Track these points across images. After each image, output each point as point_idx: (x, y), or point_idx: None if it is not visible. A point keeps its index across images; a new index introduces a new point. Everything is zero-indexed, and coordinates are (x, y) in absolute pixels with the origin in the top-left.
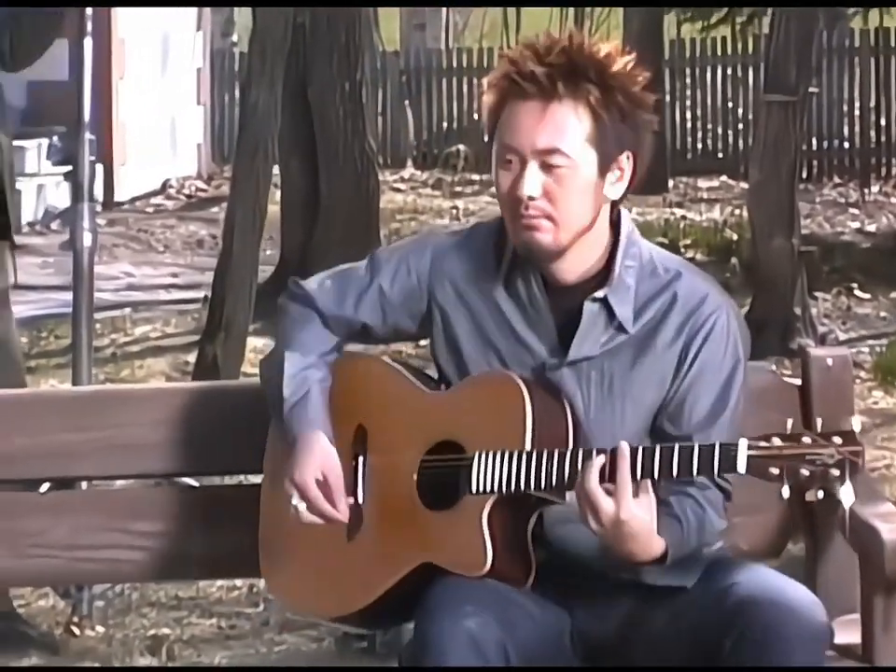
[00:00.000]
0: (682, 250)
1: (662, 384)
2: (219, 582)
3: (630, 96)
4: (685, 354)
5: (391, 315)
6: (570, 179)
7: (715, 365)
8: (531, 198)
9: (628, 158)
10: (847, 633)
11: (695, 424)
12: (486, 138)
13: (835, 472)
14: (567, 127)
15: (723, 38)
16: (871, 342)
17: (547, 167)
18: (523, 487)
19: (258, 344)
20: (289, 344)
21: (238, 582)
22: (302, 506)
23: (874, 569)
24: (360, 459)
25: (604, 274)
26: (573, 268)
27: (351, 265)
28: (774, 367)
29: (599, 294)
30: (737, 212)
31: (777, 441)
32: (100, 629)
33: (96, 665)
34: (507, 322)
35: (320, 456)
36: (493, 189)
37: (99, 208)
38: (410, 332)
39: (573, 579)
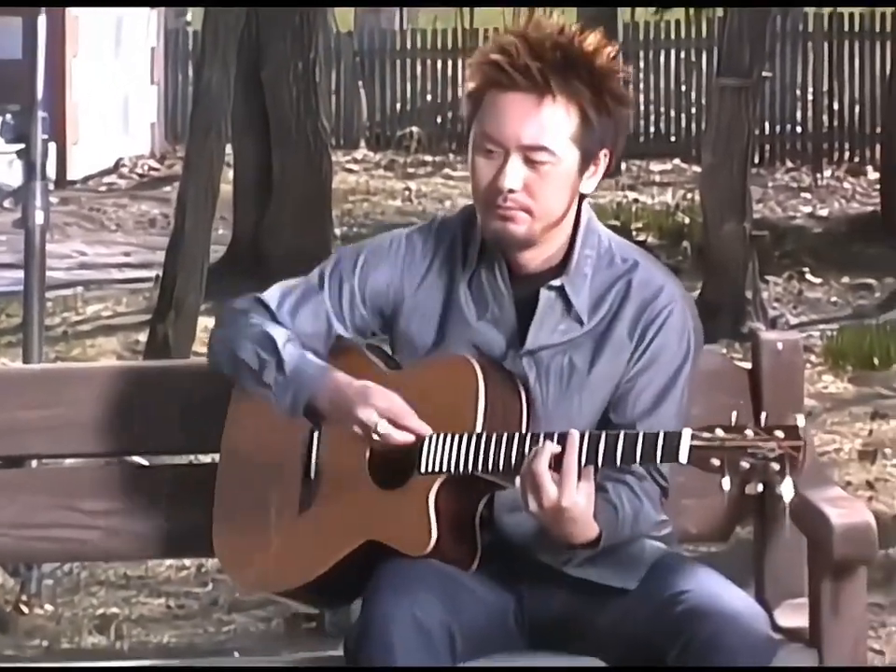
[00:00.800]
0: (634, 233)
1: (616, 376)
2: (168, 562)
3: (615, 95)
4: (639, 345)
5: (361, 315)
6: (552, 175)
7: (666, 356)
8: (511, 190)
9: (605, 154)
10: (795, 616)
11: (638, 412)
12: (466, 123)
13: (776, 466)
14: (556, 125)
15: (677, 22)
16: (822, 326)
17: (530, 162)
18: (471, 469)
19: (209, 324)
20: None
21: (187, 562)
22: (387, 427)
23: (822, 554)
24: (315, 435)
25: (563, 263)
26: (537, 256)
27: (313, 277)
28: (724, 350)
29: (556, 283)
30: (689, 196)
31: (720, 433)
32: (48, 607)
33: (45, 644)
34: (465, 319)
35: (367, 386)
36: (446, 171)
37: (51, 186)
38: (377, 329)
39: (520, 564)
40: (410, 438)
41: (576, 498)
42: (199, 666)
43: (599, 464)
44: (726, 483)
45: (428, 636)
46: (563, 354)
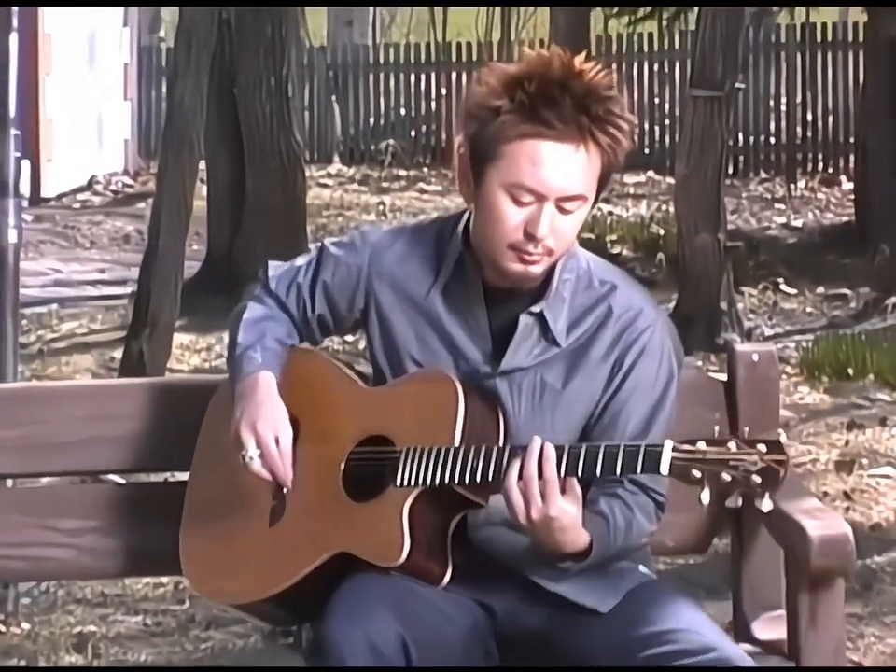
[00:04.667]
0: (609, 246)
1: (592, 396)
2: (145, 579)
3: (629, 131)
4: (618, 368)
5: (338, 308)
6: (578, 217)
7: (649, 382)
8: (543, 237)
9: None
10: (773, 629)
11: (629, 440)
12: (461, 148)
13: (757, 479)
14: (592, 171)
15: (650, 34)
16: (797, 337)
17: (561, 208)
18: (447, 481)
19: (184, 340)
20: (252, 300)
21: (164, 579)
22: (256, 456)
23: (799, 565)
24: None
25: (542, 285)
26: None
27: (303, 260)
28: (699, 362)
29: (536, 309)
30: (664, 207)
31: (702, 445)
32: (26, 626)
33: (22, 663)
34: (443, 327)
35: (275, 411)
36: (420, 185)
37: (25, 204)
38: (355, 323)
39: (492, 580)
40: (267, 476)
41: (562, 506)
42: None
43: (580, 475)
44: (705, 496)
45: (381, 654)
46: (536, 372)
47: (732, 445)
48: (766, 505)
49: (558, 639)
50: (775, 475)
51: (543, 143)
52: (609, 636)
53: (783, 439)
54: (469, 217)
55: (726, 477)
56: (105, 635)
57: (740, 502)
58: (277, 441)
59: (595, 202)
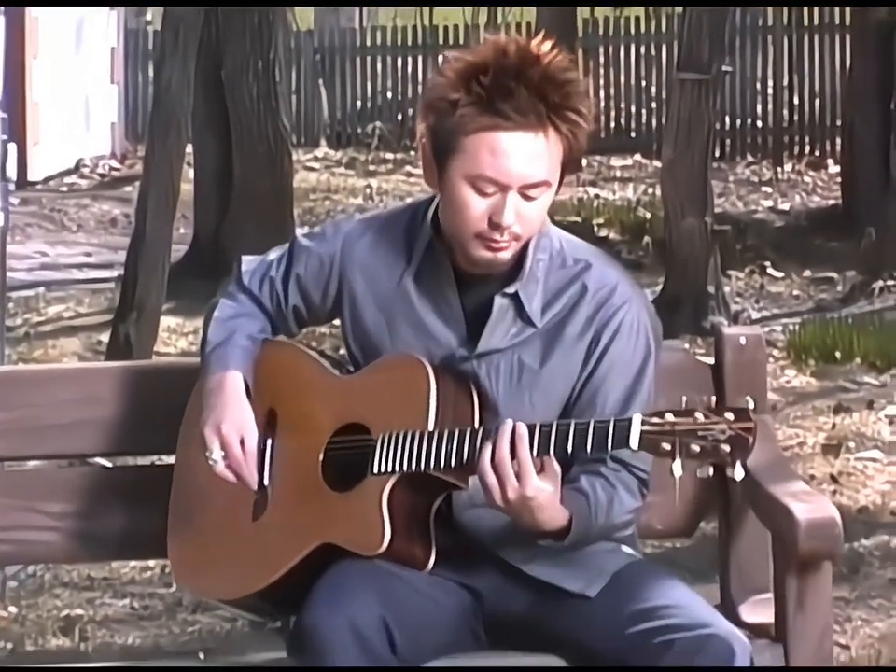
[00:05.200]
0: (596, 229)
1: (570, 375)
2: (132, 563)
3: (588, 113)
4: (594, 346)
5: (312, 299)
6: (543, 202)
7: (625, 359)
8: (509, 225)
9: None
10: (761, 612)
11: (607, 417)
12: (423, 138)
13: (726, 448)
14: (553, 157)
15: (637, 17)
16: (784, 320)
17: (525, 195)
18: (423, 467)
19: (171, 324)
20: (225, 297)
21: (151, 563)
22: (220, 459)
23: (787, 549)
24: (269, 442)
25: (515, 266)
26: None
27: (276, 254)
28: (687, 346)
29: (510, 290)
30: (651, 191)
31: (670, 417)
32: (13, 610)
33: (9, 646)
34: (416, 313)
35: (241, 412)
36: (406, 168)
37: (12, 187)
38: (330, 313)
39: (479, 563)
40: (231, 477)
41: (538, 485)
42: (164, 668)
43: (551, 453)
44: (677, 467)
45: (364, 637)
46: (513, 353)
47: (699, 415)
48: (738, 473)
49: (545, 621)
50: (744, 443)
51: (502, 134)
52: (597, 616)
53: (751, 405)
54: (438, 203)
55: (696, 448)
56: (93, 618)
57: (711, 472)
58: (242, 442)
59: (560, 184)
